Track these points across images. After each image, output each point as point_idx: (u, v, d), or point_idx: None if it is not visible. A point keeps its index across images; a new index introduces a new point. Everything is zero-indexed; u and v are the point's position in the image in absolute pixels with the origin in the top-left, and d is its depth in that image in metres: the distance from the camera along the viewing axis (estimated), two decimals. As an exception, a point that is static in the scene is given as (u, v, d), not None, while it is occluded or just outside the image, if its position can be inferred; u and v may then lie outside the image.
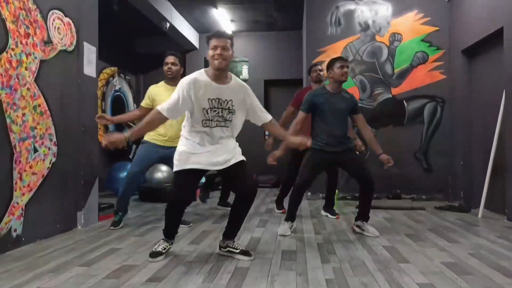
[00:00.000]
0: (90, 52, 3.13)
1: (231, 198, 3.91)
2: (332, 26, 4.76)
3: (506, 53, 3.35)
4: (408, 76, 4.63)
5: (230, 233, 2.25)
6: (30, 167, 2.48)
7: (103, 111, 5.33)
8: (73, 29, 2.95)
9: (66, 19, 2.88)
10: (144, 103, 3.08)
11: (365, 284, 1.77)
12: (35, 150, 2.53)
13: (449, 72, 4.52)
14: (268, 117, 2.24)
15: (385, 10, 4.69)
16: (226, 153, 2.13)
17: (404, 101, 4.63)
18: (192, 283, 1.78)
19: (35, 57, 2.56)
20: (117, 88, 5.66)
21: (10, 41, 2.34)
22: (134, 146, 5.21)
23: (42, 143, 2.60)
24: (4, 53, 2.29)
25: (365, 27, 4.73)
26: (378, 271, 1.94)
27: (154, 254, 2.14)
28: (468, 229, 2.95)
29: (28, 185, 2.47)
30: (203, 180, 4.51)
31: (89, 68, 3.12)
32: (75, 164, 2.93)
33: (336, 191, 3.72)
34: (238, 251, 2.18)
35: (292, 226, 2.84)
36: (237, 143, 2.25)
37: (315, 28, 4.80)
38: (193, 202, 4.24)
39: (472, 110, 4.17)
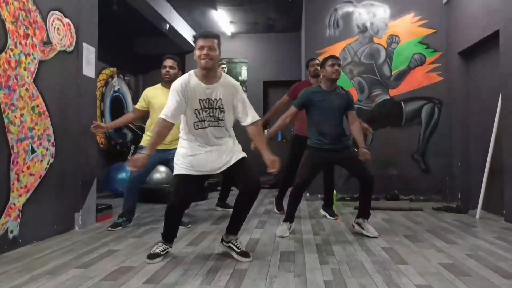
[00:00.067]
0: (89, 53, 3.13)
1: (230, 199, 3.96)
2: (330, 28, 4.78)
3: (502, 56, 3.37)
4: (405, 78, 4.65)
5: (234, 228, 2.25)
6: (28, 168, 2.48)
7: (102, 111, 5.32)
8: (73, 29, 2.95)
9: (66, 20, 2.88)
10: (139, 105, 3.08)
11: (363, 286, 1.77)
12: (33, 151, 2.52)
13: (446, 74, 4.54)
14: (248, 120, 2.17)
15: (382, 12, 4.72)
16: (225, 154, 2.14)
17: (402, 103, 4.65)
18: (190, 285, 1.78)
19: (34, 58, 2.55)
20: (116, 88, 5.65)
21: (9, 41, 2.33)
22: (133, 147, 5.20)
23: (40, 143, 2.60)
24: (3, 54, 2.29)
25: (363, 29, 4.75)
26: (377, 272, 1.94)
27: (152, 256, 2.14)
28: (465, 230, 2.96)
29: (26, 186, 2.46)
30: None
31: (88, 68, 3.12)
32: (73, 165, 2.92)
33: (335, 191, 3.73)
34: (239, 251, 2.18)
35: (290, 227, 2.85)
36: (236, 140, 2.25)
37: (314, 30, 4.82)
38: (192, 203, 4.25)
39: (469, 112, 4.19)
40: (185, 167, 2.11)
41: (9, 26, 2.33)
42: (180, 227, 2.98)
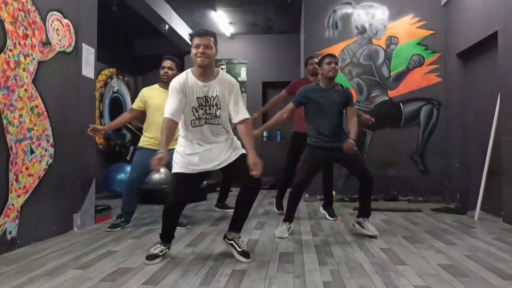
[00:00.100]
0: (88, 54, 3.13)
1: (229, 200, 3.96)
2: (329, 29, 4.79)
3: (500, 57, 3.38)
4: (404, 79, 4.66)
5: (236, 225, 2.25)
6: (27, 168, 2.47)
7: (101, 112, 5.32)
8: (72, 30, 2.95)
9: (65, 21, 2.88)
10: (135, 105, 3.08)
11: (362, 287, 1.77)
12: (32, 152, 2.52)
13: (445, 75, 4.56)
14: (238, 118, 2.15)
15: (381, 13, 4.73)
16: (224, 151, 2.14)
17: (400, 104, 4.66)
18: (189, 286, 1.78)
19: (33, 58, 2.55)
20: (115, 89, 5.65)
21: (8, 42, 2.33)
22: (132, 148, 5.19)
23: (39, 144, 2.59)
24: (2, 54, 2.28)
25: (362, 31, 4.76)
26: (375, 273, 1.94)
27: (151, 257, 2.14)
28: (464, 231, 2.96)
29: (24, 187, 2.45)
30: None
31: (88, 69, 3.12)
32: (72, 165, 2.92)
33: (334, 192, 3.73)
34: (240, 250, 2.18)
35: (290, 227, 2.85)
36: (235, 137, 2.25)
37: (313, 31, 4.83)
38: (191, 204, 4.25)
39: (468, 113, 4.20)
40: (183, 166, 2.12)
41: (8, 26, 2.33)
42: (179, 228, 2.99)
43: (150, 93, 3.05)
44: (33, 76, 2.54)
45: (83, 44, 3.06)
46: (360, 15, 4.76)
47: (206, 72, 2.10)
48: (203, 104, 2.11)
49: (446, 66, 4.54)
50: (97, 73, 4.89)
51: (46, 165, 2.65)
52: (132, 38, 6.62)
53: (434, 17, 4.61)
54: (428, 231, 2.96)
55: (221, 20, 5.92)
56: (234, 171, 2.19)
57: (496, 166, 3.43)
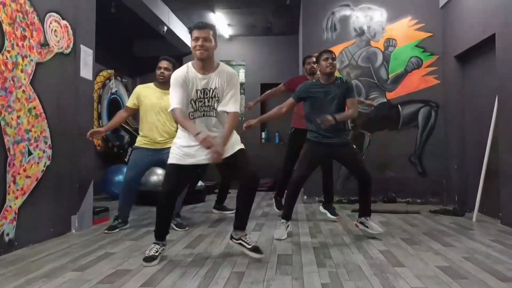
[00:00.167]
0: (86, 55, 3.13)
1: (227, 202, 3.95)
2: (327, 31, 4.80)
3: (498, 60, 3.39)
4: (402, 81, 4.68)
5: (240, 223, 2.25)
6: (24, 170, 2.46)
7: (99, 114, 5.31)
8: (70, 31, 2.94)
9: (63, 22, 2.87)
10: (130, 103, 3.07)
11: (360, 288, 1.77)
12: (30, 153, 2.51)
13: (443, 77, 4.57)
14: (227, 109, 2.13)
15: (380, 16, 4.75)
16: None
17: (399, 106, 4.67)
18: (188, 288, 1.77)
19: (31, 60, 2.55)
20: (113, 91, 5.64)
21: (6, 43, 2.33)
22: (130, 149, 5.18)
23: (37, 146, 2.58)
24: (0, 55, 2.28)
25: (360, 33, 4.77)
26: (374, 275, 1.94)
27: (149, 259, 2.13)
28: (462, 233, 2.96)
29: (22, 189, 2.44)
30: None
31: (86, 70, 3.12)
32: (70, 167, 2.91)
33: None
34: (250, 247, 2.18)
35: (288, 226, 2.85)
36: (234, 132, 2.24)
37: (311, 33, 4.84)
38: (189, 205, 4.24)
39: (466, 115, 4.22)
40: (178, 157, 2.14)
41: (6, 27, 2.33)
42: (177, 230, 2.99)
43: (145, 92, 3.05)
44: (31, 78, 2.54)
45: (81, 46, 3.05)
46: (358, 17, 4.77)
47: (206, 65, 2.12)
48: (202, 96, 2.12)
49: (444, 68, 4.56)
50: (95, 74, 4.89)
51: (44, 166, 2.65)
52: (131, 40, 6.62)
53: (432, 20, 4.63)
54: (426, 233, 2.96)
55: (220, 21, 5.93)
56: (231, 166, 2.19)
57: (494, 168, 3.44)
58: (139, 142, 3.05)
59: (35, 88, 2.57)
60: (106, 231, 2.90)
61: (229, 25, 6.19)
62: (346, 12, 4.79)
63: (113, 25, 5.25)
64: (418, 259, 2.24)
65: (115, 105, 5.65)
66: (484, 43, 3.68)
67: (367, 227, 2.78)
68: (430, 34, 4.63)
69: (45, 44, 2.67)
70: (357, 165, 2.81)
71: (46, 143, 2.68)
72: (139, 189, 3.26)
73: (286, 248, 2.51)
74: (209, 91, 2.12)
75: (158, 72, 3.04)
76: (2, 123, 2.29)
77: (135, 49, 6.72)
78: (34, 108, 2.57)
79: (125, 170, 3.24)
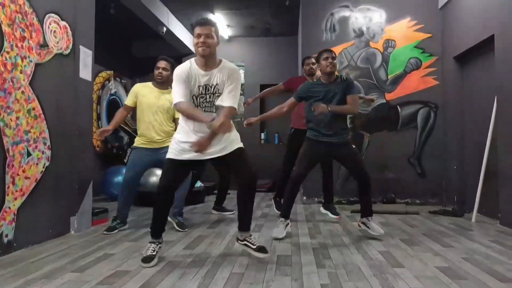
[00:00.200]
0: (86, 56, 3.13)
1: (226, 203, 3.95)
2: (327, 32, 4.81)
3: (497, 60, 3.40)
4: (401, 82, 4.69)
5: (243, 224, 2.24)
6: (23, 171, 2.46)
7: (99, 115, 5.31)
8: (69, 32, 2.94)
9: (63, 23, 2.87)
10: (130, 101, 3.06)
11: (360, 289, 1.77)
12: (29, 154, 2.51)
13: (442, 78, 4.58)
14: (223, 103, 2.11)
15: (379, 17, 4.76)
16: (219, 143, 2.14)
17: (398, 107, 4.68)
18: (187, 289, 1.77)
19: (31, 61, 2.54)
20: (112, 91, 5.64)
21: (5, 44, 2.33)
22: (129, 150, 5.18)
23: (36, 146, 2.58)
24: (-1, 56, 2.28)
25: (360, 34, 4.78)
26: (373, 276, 1.94)
27: (147, 259, 2.12)
28: (462, 234, 2.97)
29: (21, 190, 2.44)
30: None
31: (85, 71, 3.12)
32: (69, 168, 2.90)
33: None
34: (255, 247, 2.18)
35: (287, 224, 2.85)
36: (235, 130, 2.24)
37: (310, 34, 4.85)
38: (189, 206, 4.24)
39: (465, 116, 4.22)
40: (175, 152, 2.15)
41: (5, 28, 2.33)
42: (178, 230, 2.99)
43: (143, 91, 3.05)
44: (30, 78, 2.53)
45: (81, 47, 3.05)
46: (357, 18, 4.78)
47: (208, 62, 2.13)
48: (204, 92, 2.13)
49: (443, 69, 4.57)
50: (95, 75, 4.88)
51: (43, 167, 2.64)
52: (130, 41, 6.62)
53: (431, 20, 4.64)
54: (425, 233, 2.97)
55: (219, 22, 5.94)
56: (229, 164, 2.19)
57: (493, 169, 3.44)
58: (137, 142, 3.06)
59: (35, 89, 2.57)
60: (105, 232, 2.90)
61: (228, 26, 6.20)
62: (346, 13, 4.80)
63: (113, 26, 5.25)
64: (417, 259, 2.24)
65: (114, 106, 5.65)
66: (483, 44, 3.69)
67: (368, 227, 2.79)
68: (429, 35, 4.64)
69: (44, 45, 2.67)
70: (356, 165, 2.82)
71: (45, 144, 2.67)
72: (138, 190, 3.25)
73: (286, 248, 2.51)
74: (211, 87, 2.13)
75: (156, 72, 3.04)
76: (1, 124, 2.29)
77: (135, 50, 6.72)
78: (33, 109, 2.56)
79: (124, 171, 3.23)
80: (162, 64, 3.04)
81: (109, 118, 5.48)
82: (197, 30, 2.09)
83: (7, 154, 2.33)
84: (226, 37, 6.54)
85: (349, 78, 2.96)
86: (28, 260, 2.22)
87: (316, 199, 4.56)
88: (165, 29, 5.48)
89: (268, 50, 6.70)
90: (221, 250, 2.45)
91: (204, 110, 2.15)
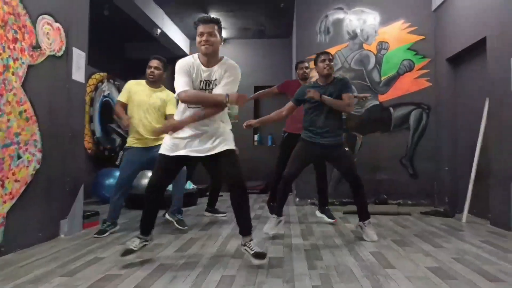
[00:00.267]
0: (79, 58, 3.11)
1: (218, 205, 3.94)
2: (321, 34, 4.83)
3: (489, 62, 3.44)
4: (394, 84, 4.72)
5: (243, 229, 2.22)
6: (13, 174, 2.43)
7: (91, 117, 5.28)
8: (63, 34, 2.93)
9: (56, 24, 2.85)
10: (124, 98, 3.04)
11: (351, 291, 1.77)
12: (19, 157, 2.48)
13: (435, 79, 4.62)
14: (217, 90, 2.14)
15: (372, 19, 4.79)
16: (210, 141, 2.15)
17: (390, 108, 4.71)
18: (178, 292, 1.76)
19: (23, 62, 2.52)
20: (106, 93, 5.60)
21: (-5, 46, 2.31)
22: (121, 153, 5.15)
23: (27, 149, 2.56)
24: (-11, 58, 2.26)
25: (353, 36, 4.81)
26: (365, 277, 1.95)
27: (125, 252, 2.13)
28: (452, 234, 2.99)
29: (10, 193, 2.41)
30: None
31: (78, 73, 3.10)
32: (61, 170, 2.88)
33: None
34: (252, 252, 2.15)
35: (280, 221, 2.87)
36: (230, 130, 2.25)
37: (305, 36, 4.87)
38: (184, 208, 4.22)
39: (457, 117, 4.26)
40: (167, 148, 2.16)
41: (-5, 30, 2.31)
42: (179, 227, 3.02)
43: (136, 88, 3.05)
44: (22, 80, 2.51)
45: (74, 48, 3.04)
46: (351, 21, 4.81)
47: (210, 59, 2.15)
48: (204, 88, 2.15)
49: (436, 71, 4.61)
50: (88, 77, 4.86)
51: (34, 170, 2.62)
52: (124, 42, 6.60)
53: (425, 23, 4.68)
54: (417, 234, 2.98)
55: (214, 24, 5.93)
56: (217, 165, 2.18)
57: (484, 170, 3.48)
58: (130, 142, 3.06)
59: (27, 91, 2.55)
60: (95, 235, 2.88)
61: (222, 27, 6.19)
62: (340, 15, 4.83)
63: (107, 28, 5.24)
64: (408, 260, 2.26)
65: (107, 108, 5.61)
66: (476, 46, 3.73)
67: (363, 232, 2.81)
68: (422, 37, 4.68)
69: (37, 47, 2.65)
70: (348, 168, 2.83)
71: (36, 146, 2.65)
72: (130, 192, 3.23)
73: (278, 250, 2.51)
74: (210, 83, 2.15)
75: (148, 71, 3.04)
76: (-9, 126, 2.27)
77: (128, 52, 6.70)
78: (25, 111, 2.54)
79: (116, 173, 3.21)
80: (154, 63, 3.04)
81: (102, 120, 5.45)
82: (200, 28, 2.10)
83: (-4, 156, 2.30)
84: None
85: (345, 78, 2.98)
86: (17, 264, 2.19)
87: (309, 200, 4.57)
88: (159, 31, 5.47)
89: (263, 52, 6.72)
90: (213, 253, 2.44)
91: (200, 106, 2.15)
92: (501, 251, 2.46)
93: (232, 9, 5.49)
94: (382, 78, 4.74)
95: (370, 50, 4.77)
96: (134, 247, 2.17)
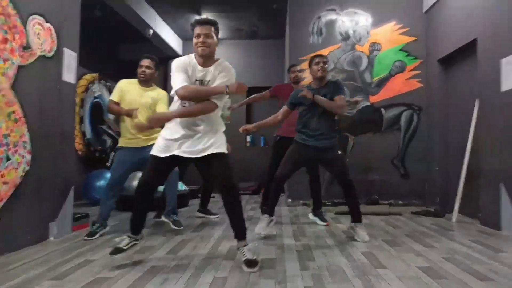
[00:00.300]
0: (70, 58, 3.07)
1: (210, 206, 3.92)
2: (314, 35, 4.85)
3: (479, 64, 3.48)
4: (386, 85, 4.76)
5: (237, 232, 2.20)
6: (2, 176, 2.39)
7: (81, 118, 5.22)
8: (54, 34, 2.89)
9: (47, 25, 2.81)
10: (116, 97, 3.01)
11: (342, 291, 1.78)
12: (8, 159, 2.44)
13: (426, 80, 4.67)
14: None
15: (365, 20, 4.82)
16: (202, 143, 2.14)
17: (382, 109, 4.75)
18: (169, 294, 1.75)
19: (13, 63, 2.48)
20: (96, 94, 5.55)
21: (-17, 46, 2.27)
22: (112, 154, 5.11)
23: (16, 151, 2.52)
24: (-24, 58, 2.22)
25: (346, 37, 4.84)
26: (356, 277, 1.96)
27: (115, 251, 2.12)
28: (443, 234, 3.02)
29: (-1, 195, 2.37)
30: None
31: (69, 74, 3.06)
32: (50, 172, 2.84)
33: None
34: (244, 259, 2.11)
35: (271, 221, 2.89)
36: (222, 133, 2.24)
37: (297, 37, 4.88)
38: (181, 209, 4.19)
39: (448, 118, 4.31)
40: (159, 149, 2.16)
41: (-17, 30, 2.27)
42: (174, 227, 3.02)
43: (127, 87, 3.03)
44: (12, 81, 2.48)
45: (65, 49, 3.00)
46: (344, 22, 4.84)
47: (206, 61, 2.16)
48: None
49: (427, 72, 4.66)
50: (79, 77, 4.81)
51: (23, 172, 2.58)
52: (116, 43, 6.55)
53: (416, 24, 4.73)
54: (408, 234, 3.01)
55: (206, 25, 5.92)
56: (208, 167, 2.18)
57: (473, 170, 3.52)
58: (121, 142, 3.04)
59: (17, 92, 2.51)
60: (85, 237, 2.84)
61: (216, 28, 6.18)
62: (332, 16, 4.86)
63: (98, 28, 5.19)
64: (400, 260, 2.27)
65: (97, 109, 5.55)
66: (467, 48, 3.78)
67: (354, 233, 2.82)
68: (414, 38, 4.73)
69: (27, 47, 2.61)
70: (341, 171, 2.84)
71: (25, 148, 2.61)
72: (121, 194, 3.20)
73: (270, 251, 2.51)
74: (204, 84, 2.16)
75: (139, 70, 3.02)
76: (-22, 127, 2.23)
77: (120, 52, 6.65)
78: (14, 112, 2.50)
79: (107, 175, 3.18)
80: (145, 62, 3.03)
81: (93, 121, 5.39)
82: (197, 30, 2.11)
83: (-16, 158, 2.26)
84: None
85: (338, 80, 2.99)
86: (5, 268, 2.15)
87: (301, 201, 4.58)
88: (151, 31, 5.44)
89: (255, 53, 6.72)
90: (205, 254, 2.43)
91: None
92: (491, 250, 2.50)
93: (224, 9, 5.49)
94: (374, 79, 4.77)
95: (362, 51, 4.81)
96: (123, 246, 2.16)
